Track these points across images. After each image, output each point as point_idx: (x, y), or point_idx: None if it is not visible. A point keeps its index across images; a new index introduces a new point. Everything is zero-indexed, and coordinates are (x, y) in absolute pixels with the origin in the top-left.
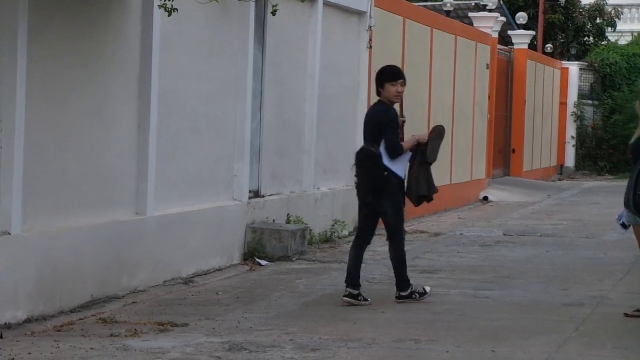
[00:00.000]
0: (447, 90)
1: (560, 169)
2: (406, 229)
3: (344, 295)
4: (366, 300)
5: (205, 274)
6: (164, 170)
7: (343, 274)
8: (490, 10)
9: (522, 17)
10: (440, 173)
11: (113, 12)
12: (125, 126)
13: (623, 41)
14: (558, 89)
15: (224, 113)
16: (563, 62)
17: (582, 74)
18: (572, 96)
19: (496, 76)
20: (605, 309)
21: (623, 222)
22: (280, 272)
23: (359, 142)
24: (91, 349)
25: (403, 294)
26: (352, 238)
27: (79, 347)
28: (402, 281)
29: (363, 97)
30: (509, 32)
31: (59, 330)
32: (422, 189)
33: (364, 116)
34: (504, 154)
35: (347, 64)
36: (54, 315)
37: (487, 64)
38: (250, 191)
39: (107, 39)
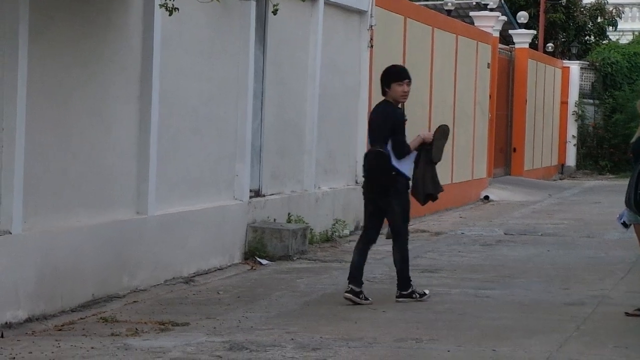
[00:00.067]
0: (448, 90)
1: (562, 168)
2: (408, 228)
3: (346, 292)
4: (367, 299)
5: (206, 273)
6: (165, 170)
7: (344, 273)
8: (491, 10)
9: (523, 16)
10: (441, 172)
11: (114, 11)
12: (126, 126)
13: (624, 40)
14: (559, 88)
15: (225, 113)
16: (564, 61)
17: (583, 73)
18: (573, 95)
19: (497, 75)
20: (607, 308)
21: (624, 221)
22: (281, 271)
23: (360, 142)
24: (92, 348)
25: (404, 292)
26: (353, 237)
27: (80, 346)
28: (403, 280)
29: (364, 97)
30: (510, 31)
31: (60, 330)
32: (428, 188)
33: (369, 116)
34: (505, 153)
35: (348, 64)
36: (54, 314)
37: (488, 64)
38: (251, 191)
39: (108, 38)
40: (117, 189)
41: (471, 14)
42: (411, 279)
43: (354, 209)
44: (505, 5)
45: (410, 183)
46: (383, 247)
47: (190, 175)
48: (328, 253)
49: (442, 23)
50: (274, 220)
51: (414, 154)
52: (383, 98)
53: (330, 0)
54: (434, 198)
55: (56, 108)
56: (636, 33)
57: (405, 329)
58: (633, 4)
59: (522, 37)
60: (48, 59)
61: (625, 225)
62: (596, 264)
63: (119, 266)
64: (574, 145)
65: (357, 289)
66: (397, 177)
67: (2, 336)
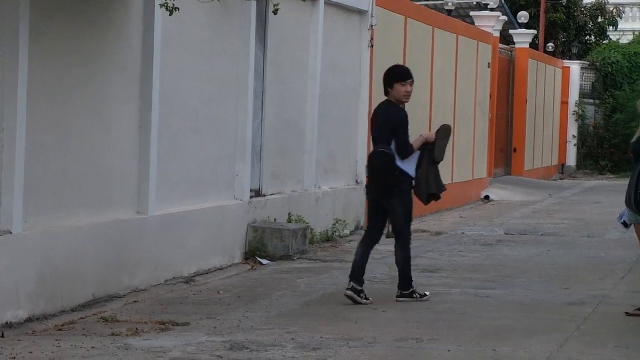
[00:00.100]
0: (449, 90)
1: (562, 168)
2: (411, 228)
3: (347, 289)
4: (367, 299)
5: (207, 273)
6: (165, 169)
7: (344, 273)
8: (491, 9)
9: (523, 16)
10: (441, 172)
11: (114, 11)
12: (126, 126)
13: (624, 40)
14: (559, 88)
15: (225, 113)
16: (564, 61)
17: (583, 73)
18: (574, 95)
19: (497, 75)
20: (607, 307)
21: (624, 221)
22: (281, 271)
23: (361, 142)
24: (92, 347)
25: (404, 292)
26: (354, 237)
27: (80, 346)
28: (405, 280)
29: (364, 97)
30: (511, 31)
31: (60, 329)
32: (432, 188)
33: (372, 116)
34: (505, 153)
35: (349, 64)
36: (55, 314)
37: (489, 63)
38: (251, 190)
39: (108, 38)
40: (117, 188)
41: (471, 13)
42: (412, 279)
43: (355, 209)
44: (505, 5)
45: (413, 183)
46: (384, 246)
47: (191, 175)
48: (328, 253)
49: (442, 23)
50: (275, 220)
51: (417, 154)
52: (385, 98)
53: (331, 0)
54: (436, 197)
55: (56, 108)
56: (636, 33)
57: (406, 329)
58: (633, 4)
59: (522, 37)
60: (48, 59)
61: (625, 224)
62: (596, 263)
63: (119, 266)
64: (574, 145)
65: (358, 287)
66: (401, 177)
67: (2, 336)
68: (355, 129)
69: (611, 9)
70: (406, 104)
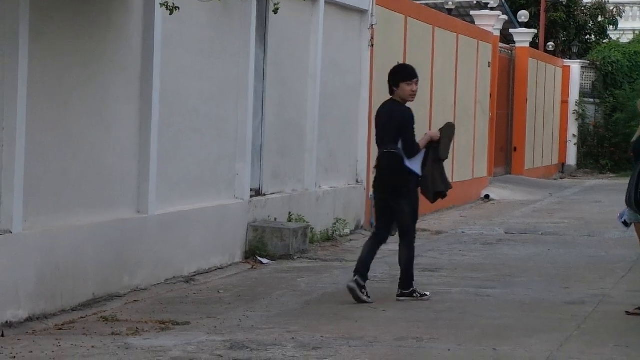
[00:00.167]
0: (449, 89)
1: (562, 167)
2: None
3: (350, 281)
4: (368, 297)
5: (207, 272)
6: (166, 169)
7: (345, 272)
8: (492, 9)
9: (523, 15)
10: None
11: (114, 11)
12: (126, 126)
13: (625, 39)
14: (560, 87)
15: (225, 112)
16: (565, 60)
17: (583, 72)
18: (574, 94)
19: (498, 74)
20: (607, 307)
21: (625, 220)
22: (281, 270)
23: (361, 141)
24: (92, 347)
25: (405, 291)
26: (354, 236)
27: (81, 345)
28: (407, 278)
29: (365, 96)
30: (511, 30)
31: (60, 329)
32: (439, 186)
33: (377, 115)
34: (505, 152)
35: (349, 63)
36: (55, 313)
37: (489, 63)
38: (251, 190)
39: (108, 38)
40: (117, 188)
41: (472, 13)
42: (414, 278)
43: (355, 208)
44: (505, 4)
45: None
46: (384, 246)
47: (191, 175)
48: (329, 252)
49: (442, 22)
50: (275, 219)
51: (422, 153)
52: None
53: None
54: (443, 195)
55: (56, 108)
56: (637, 32)
57: (406, 328)
58: (634, 3)
59: (522, 36)
60: (48, 59)
61: (626, 224)
62: (597, 262)
63: (119, 265)
64: (575, 144)
65: (362, 283)
66: (408, 176)
67: (2, 335)
68: (355, 128)
69: (611, 8)
70: (406, 104)
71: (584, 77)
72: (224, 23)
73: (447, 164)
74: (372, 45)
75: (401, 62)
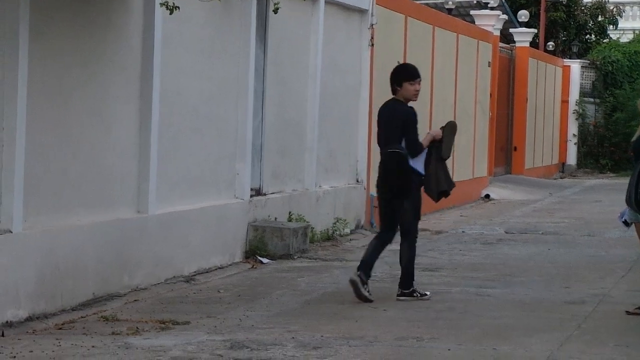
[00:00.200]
0: (449, 89)
1: (562, 167)
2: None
3: (354, 274)
4: (370, 294)
5: (207, 272)
6: (166, 169)
7: (345, 272)
8: (492, 8)
9: (523, 15)
10: None
11: (114, 11)
12: (126, 126)
13: (625, 39)
14: (560, 87)
15: (225, 112)
16: (565, 60)
17: (583, 72)
18: (574, 94)
19: (498, 74)
20: (607, 306)
21: (625, 220)
22: (281, 270)
23: (361, 141)
24: (93, 347)
25: (405, 291)
26: (354, 236)
27: (81, 345)
28: (407, 278)
29: (365, 96)
30: (511, 30)
31: (60, 329)
32: (443, 185)
33: (379, 114)
34: (505, 152)
35: (349, 63)
36: (55, 313)
37: (489, 62)
38: (252, 189)
39: (108, 38)
40: (117, 188)
41: (472, 12)
42: (414, 278)
43: (355, 208)
44: (505, 3)
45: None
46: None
47: (191, 174)
48: (329, 252)
49: (442, 22)
50: (275, 219)
51: (424, 152)
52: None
53: None
54: (447, 194)
55: (56, 108)
56: (637, 32)
57: (406, 328)
58: (634, 3)
59: (522, 36)
60: (48, 59)
61: (626, 223)
62: (597, 262)
63: (119, 265)
64: (575, 143)
65: (365, 278)
66: (412, 176)
67: (2, 335)
68: (355, 128)
69: (611, 7)
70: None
71: (584, 76)
72: (224, 23)
73: (447, 164)
74: (372, 45)
75: (401, 61)
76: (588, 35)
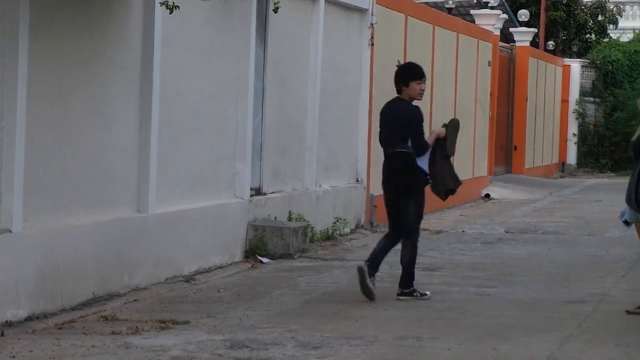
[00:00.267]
0: (449, 88)
1: (562, 166)
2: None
3: (363, 263)
4: (374, 286)
5: (207, 271)
6: (166, 168)
7: (345, 271)
8: (492, 8)
9: (524, 14)
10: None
11: (114, 11)
12: (126, 125)
13: (625, 38)
14: (560, 86)
15: (225, 112)
16: (565, 59)
17: (583, 71)
18: (574, 93)
19: (498, 74)
20: (607, 306)
21: (625, 220)
22: (281, 269)
23: (361, 140)
24: (92, 346)
25: (405, 290)
26: (354, 236)
27: (80, 344)
28: (408, 277)
29: (365, 95)
30: (511, 29)
31: (60, 328)
32: (449, 184)
33: (382, 114)
34: (505, 151)
35: (349, 62)
36: (55, 313)
37: (489, 62)
38: (252, 189)
39: (108, 38)
40: (117, 187)
41: (472, 12)
42: (415, 277)
43: (355, 207)
44: (506, 3)
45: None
46: None
47: (191, 174)
48: (329, 251)
49: (443, 21)
50: (275, 218)
51: (429, 151)
52: (390, 96)
53: None
54: (453, 192)
55: (56, 108)
56: (637, 31)
57: (406, 327)
58: (634, 2)
59: (522, 35)
60: (48, 59)
61: (626, 223)
62: (597, 262)
63: (119, 264)
64: (575, 143)
65: (372, 271)
66: (418, 175)
67: (2, 335)
68: (355, 127)
69: (611, 7)
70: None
71: (584, 76)
72: (224, 22)
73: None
74: (372, 44)
75: (402, 61)
76: (588, 35)
